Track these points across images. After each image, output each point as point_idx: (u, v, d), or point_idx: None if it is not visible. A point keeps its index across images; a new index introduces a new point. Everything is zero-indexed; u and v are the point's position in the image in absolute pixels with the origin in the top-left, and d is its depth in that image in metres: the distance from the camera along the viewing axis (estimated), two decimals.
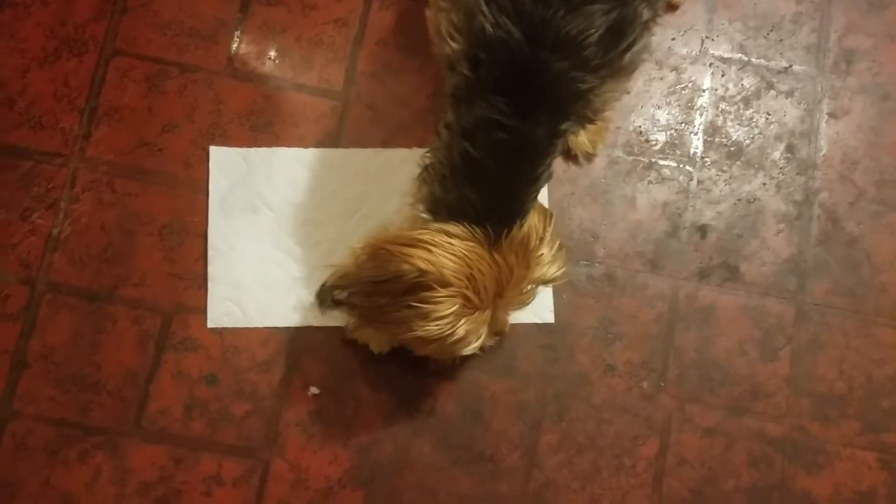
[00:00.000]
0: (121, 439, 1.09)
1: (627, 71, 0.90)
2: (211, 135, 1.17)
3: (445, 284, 0.87)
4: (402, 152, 1.18)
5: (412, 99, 1.20)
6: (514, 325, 1.09)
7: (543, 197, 1.17)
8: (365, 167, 1.17)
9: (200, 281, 1.13)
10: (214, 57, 1.20)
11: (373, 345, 1.09)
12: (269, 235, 1.15)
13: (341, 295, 0.94)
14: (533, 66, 0.84)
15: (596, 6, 0.82)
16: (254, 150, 1.17)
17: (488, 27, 0.83)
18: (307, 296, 1.12)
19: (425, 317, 0.87)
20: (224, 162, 1.16)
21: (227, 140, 1.17)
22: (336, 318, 1.11)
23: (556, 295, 1.15)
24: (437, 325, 0.87)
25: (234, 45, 1.20)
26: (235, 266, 1.14)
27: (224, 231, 1.15)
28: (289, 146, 1.18)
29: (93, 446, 1.09)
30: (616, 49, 0.86)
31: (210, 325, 1.12)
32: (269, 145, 1.17)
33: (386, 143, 1.18)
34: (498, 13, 0.82)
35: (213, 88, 1.19)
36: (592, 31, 0.82)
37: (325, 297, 0.95)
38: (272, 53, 1.21)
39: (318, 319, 1.12)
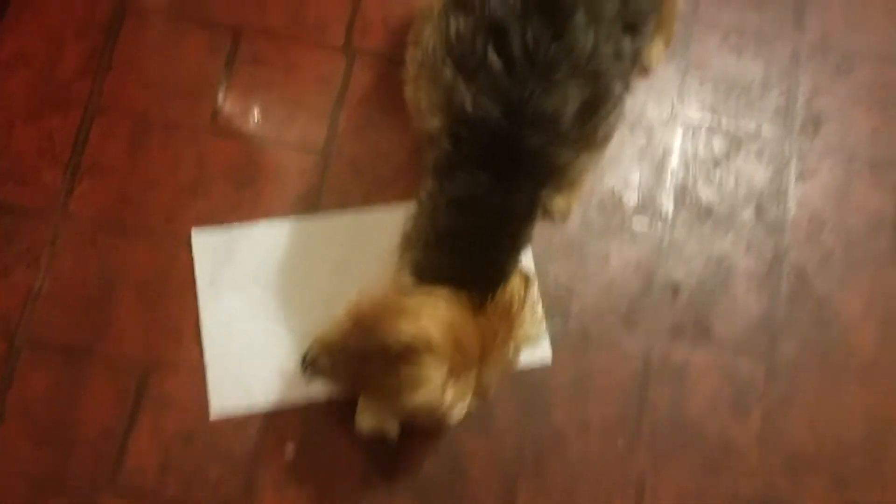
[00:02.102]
0: (96, 496, 1.08)
1: (602, 143, 0.93)
2: (193, 191, 1.18)
3: (433, 350, 0.87)
4: (380, 212, 1.18)
5: (392, 155, 1.22)
6: None
7: (528, 258, 1.18)
8: (347, 230, 1.18)
9: (178, 336, 1.13)
10: (198, 114, 1.21)
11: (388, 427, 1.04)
12: (262, 311, 1.13)
13: (324, 362, 0.94)
14: (511, 142, 0.86)
15: (571, 84, 0.85)
16: (235, 227, 1.16)
17: (468, 105, 0.86)
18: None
19: (414, 383, 0.87)
20: (207, 244, 1.15)
21: (209, 196, 1.18)
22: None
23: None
24: (426, 390, 0.87)
25: (218, 103, 1.22)
26: (232, 348, 1.12)
27: (216, 314, 1.13)
28: (270, 201, 1.18)
29: (68, 503, 1.08)
30: (590, 123, 0.88)
31: (213, 416, 1.10)
32: (252, 201, 1.18)
33: (367, 198, 1.20)
34: (478, 92, 0.85)
35: (196, 145, 1.20)
36: (568, 108, 0.85)
37: (310, 367, 0.95)
38: (256, 111, 1.23)
39: (322, 393, 1.09)
